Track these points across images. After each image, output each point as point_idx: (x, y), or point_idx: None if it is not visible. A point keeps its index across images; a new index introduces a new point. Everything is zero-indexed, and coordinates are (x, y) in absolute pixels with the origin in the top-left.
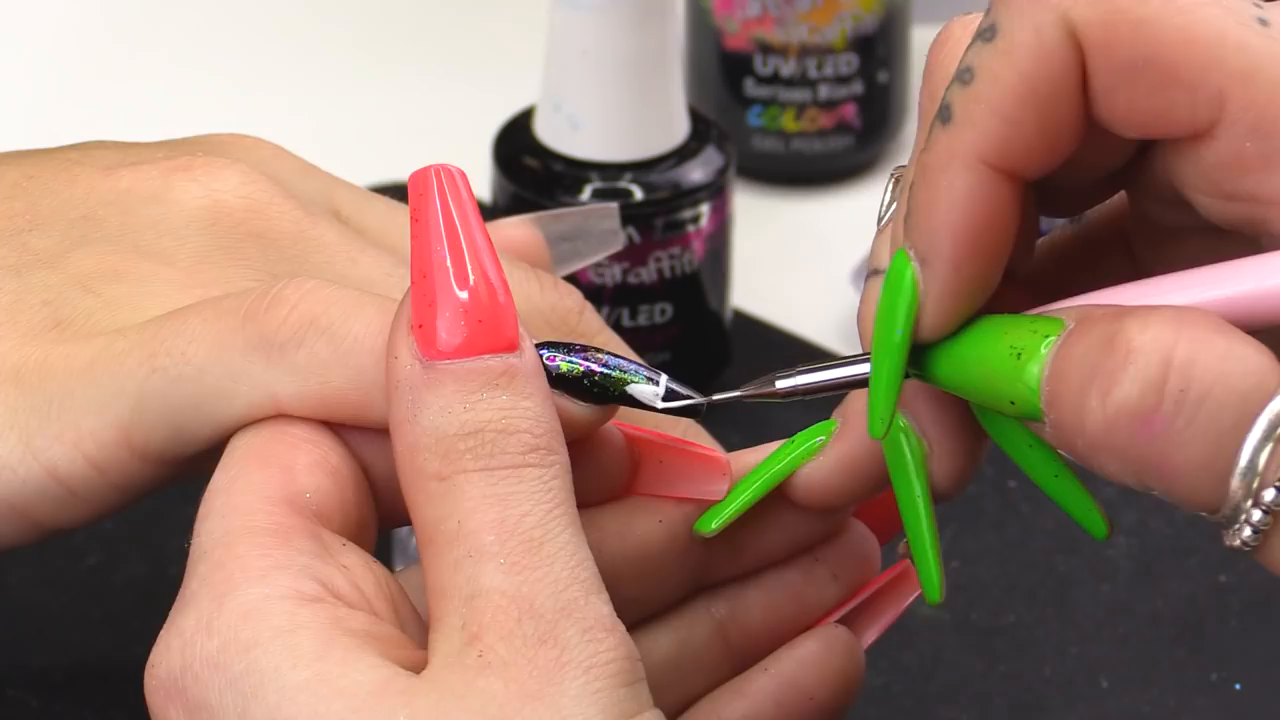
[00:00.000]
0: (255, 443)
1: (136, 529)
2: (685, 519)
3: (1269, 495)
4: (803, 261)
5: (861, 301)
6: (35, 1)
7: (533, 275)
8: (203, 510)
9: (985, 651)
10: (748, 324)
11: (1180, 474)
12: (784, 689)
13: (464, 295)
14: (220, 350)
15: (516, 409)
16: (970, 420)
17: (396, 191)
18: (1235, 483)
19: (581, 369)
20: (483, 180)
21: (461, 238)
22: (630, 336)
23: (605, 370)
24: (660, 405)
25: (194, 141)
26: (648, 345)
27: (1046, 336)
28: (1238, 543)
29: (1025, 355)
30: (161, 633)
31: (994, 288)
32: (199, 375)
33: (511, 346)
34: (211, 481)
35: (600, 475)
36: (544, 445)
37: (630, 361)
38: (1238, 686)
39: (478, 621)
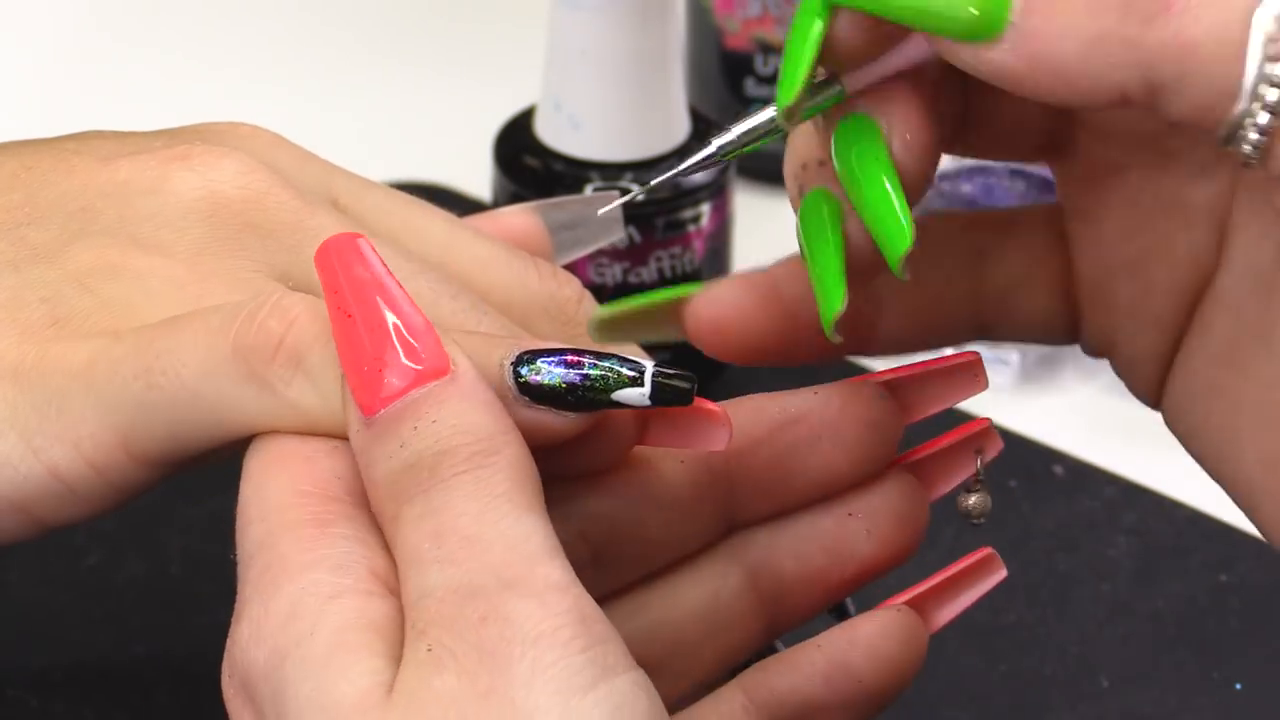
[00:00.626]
0: (271, 446)
1: (136, 529)
2: (705, 457)
3: (1272, 95)
4: None
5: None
6: None
7: (531, 264)
8: (240, 522)
9: (985, 651)
10: None
11: (1197, 47)
12: (834, 669)
13: (381, 349)
14: (212, 380)
15: (448, 428)
16: (926, 93)
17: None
18: (1253, 52)
19: (564, 385)
20: (483, 180)
21: (371, 293)
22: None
23: (588, 383)
24: (648, 404)
25: (192, 130)
26: (647, 345)
27: None
28: (1246, 148)
29: None
30: (228, 640)
31: None
32: (194, 399)
33: (440, 373)
34: (240, 494)
35: (611, 438)
36: (482, 449)
37: (613, 362)
38: (1238, 686)
39: (424, 619)
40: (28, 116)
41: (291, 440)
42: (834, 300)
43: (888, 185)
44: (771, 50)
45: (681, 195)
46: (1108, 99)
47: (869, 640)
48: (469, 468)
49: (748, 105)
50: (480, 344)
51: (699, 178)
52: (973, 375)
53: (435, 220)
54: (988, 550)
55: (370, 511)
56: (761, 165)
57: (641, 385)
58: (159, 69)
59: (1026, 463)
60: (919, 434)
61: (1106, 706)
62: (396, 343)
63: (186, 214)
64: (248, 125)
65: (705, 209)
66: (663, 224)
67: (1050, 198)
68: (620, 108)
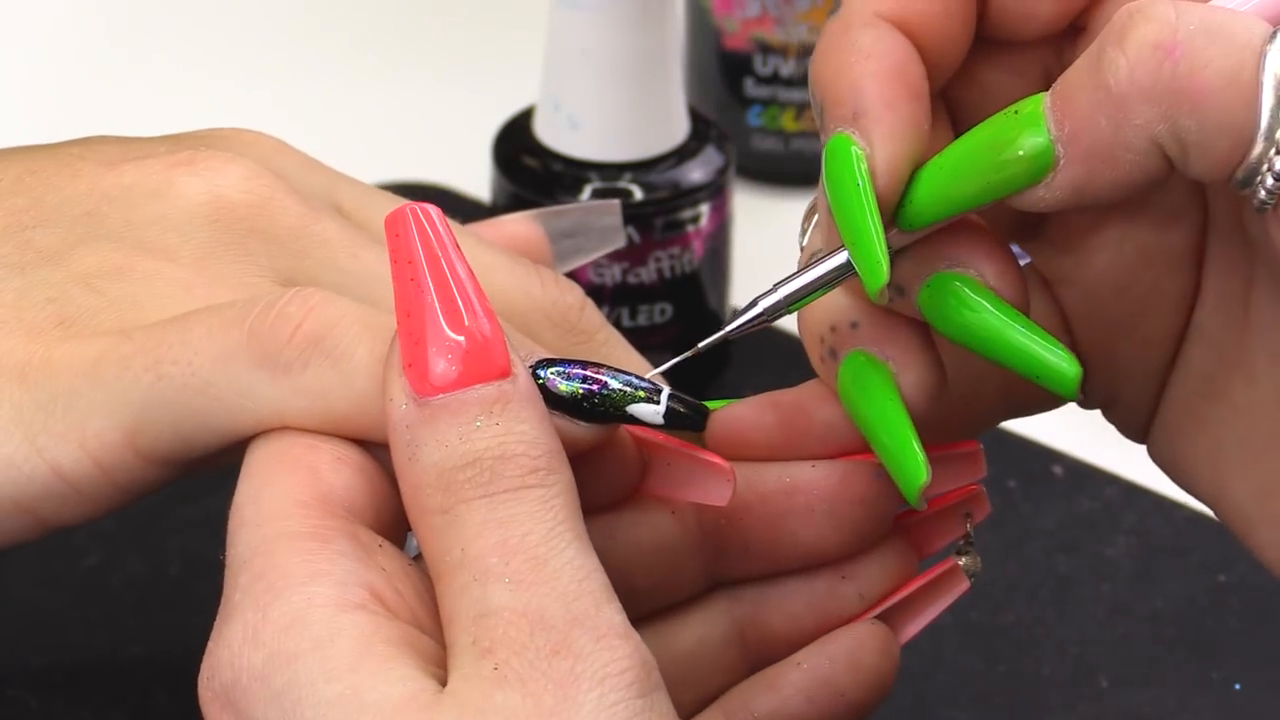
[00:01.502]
0: (274, 448)
1: (136, 529)
2: (696, 511)
3: None
4: None
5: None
6: None
7: (534, 271)
8: (234, 522)
9: (985, 651)
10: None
11: (1210, 93)
12: (816, 685)
13: (451, 330)
14: (225, 364)
15: (512, 434)
16: (927, 332)
17: (397, 191)
18: (1266, 95)
19: (581, 391)
20: (483, 180)
21: (447, 273)
22: (630, 336)
23: (605, 392)
24: (661, 423)
25: (196, 136)
26: (647, 345)
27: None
28: (1262, 194)
29: (1022, 106)
30: (210, 644)
31: (929, 123)
32: (205, 387)
33: (504, 373)
34: (237, 493)
35: (613, 478)
36: (543, 466)
37: (631, 378)
38: (1237, 686)
39: (489, 637)
40: (32, 122)
41: (297, 445)
42: (917, 472)
43: (900, 425)
44: (770, 50)
45: (680, 195)
46: (1150, 164)
47: (848, 654)
48: (535, 483)
49: (747, 106)
50: None
51: (697, 177)
52: (974, 462)
53: None
54: (950, 562)
55: (366, 535)
56: (761, 165)
57: (657, 404)
58: (161, 73)
59: (1026, 463)
60: None
61: (1106, 706)
62: (460, 327)
63: (192, 219)
64: (252, 131)
65: (704, 209)
66: (662, 224)
67: None
68: (619, 108)
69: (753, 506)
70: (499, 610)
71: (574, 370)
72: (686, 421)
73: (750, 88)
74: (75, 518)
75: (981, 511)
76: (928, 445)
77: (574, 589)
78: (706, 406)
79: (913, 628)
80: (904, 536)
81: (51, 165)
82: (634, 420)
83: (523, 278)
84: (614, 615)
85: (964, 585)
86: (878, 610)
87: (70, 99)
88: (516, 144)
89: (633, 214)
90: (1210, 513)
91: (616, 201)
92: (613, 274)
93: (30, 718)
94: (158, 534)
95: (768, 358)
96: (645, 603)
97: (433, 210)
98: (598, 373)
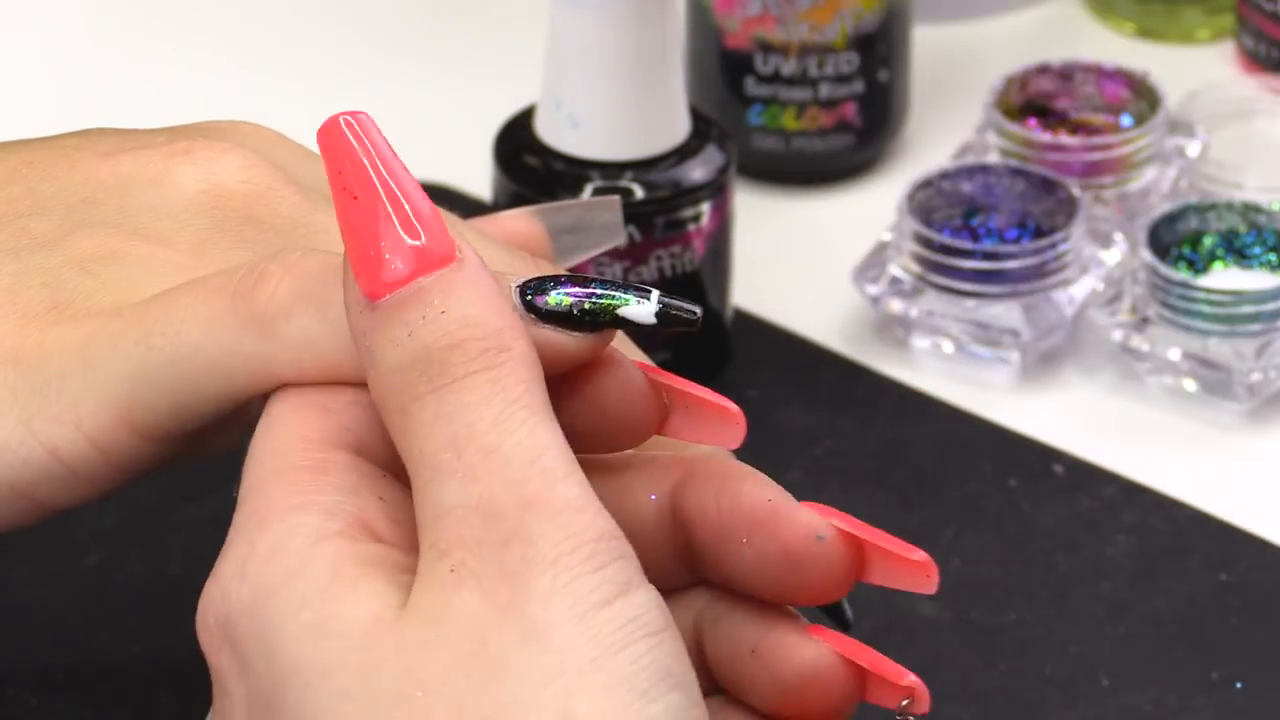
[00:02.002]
0: (293, 392)
1: (136, 529)
2: (673, 499)
3: None
4: (803, 260)
5: None
6: None
7: (531, 265)
8: (245, 463)
9: (985, 650)
10: (748, 323)
11: None
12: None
13: (390, 230)
14: (213, 328)
15: (456, 320)
16: None
17: None
18: None
19: (570, 301)
20: (483, 178)
21: (376, 174)
22: (630, 335)
23: (595, 298)
24: (653, 322)
25: (194, 127)
26: (648, 344)
27: None
28: None
29: None
30: (208, 580)
31: None
32: (194, 353)
33: (447, 260)
34: (255, 433)
35: (634, 420)
36: (491, 345)
37: (619, 282)
38: (1239, 685)
39: (445, 538)
40: (29, 116)
41: (313, 390)
42: None
43: None
44: (771, 49)
45: (681, 194)
46: None
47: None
48: (481, 366)
49: (748, 105)
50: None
51: (698, 176)
52: (925, 576)
53: None
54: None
55: (369, 467)
56: (761, 164)
57: (649, 303)
58: (160, 68)
59: (1026, 462)
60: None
61: (1106, 706)
62: (400, 224)
63: (188, 207)
64: (249, 123)
65: (705, 208)
66: (663, 223)
67: (1051, 198)
68: (620, 107)
69: (708, 515)
70: (453, 508)
71: (561, 282)
72: (678, 321)
73: (751, 87)
74: (74, 501)
75: (920, 706)
76: (877, 535)
77: (524, 471)
78: (696, 308)
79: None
80: (841, 660)
81: (49, 156)
82: (627, 324)
83: (520, 270)
84: (569, 490)
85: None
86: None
87: (70, 95)
88: (517, 143)
89: (633, 213)
90: (1211, 512)
91: (617, 198)
92: (614, 273)
93: (30, 717)
94: (159, 533)
95: (769, 356)
96: None
97: (361, 115)
98: (585, 283)
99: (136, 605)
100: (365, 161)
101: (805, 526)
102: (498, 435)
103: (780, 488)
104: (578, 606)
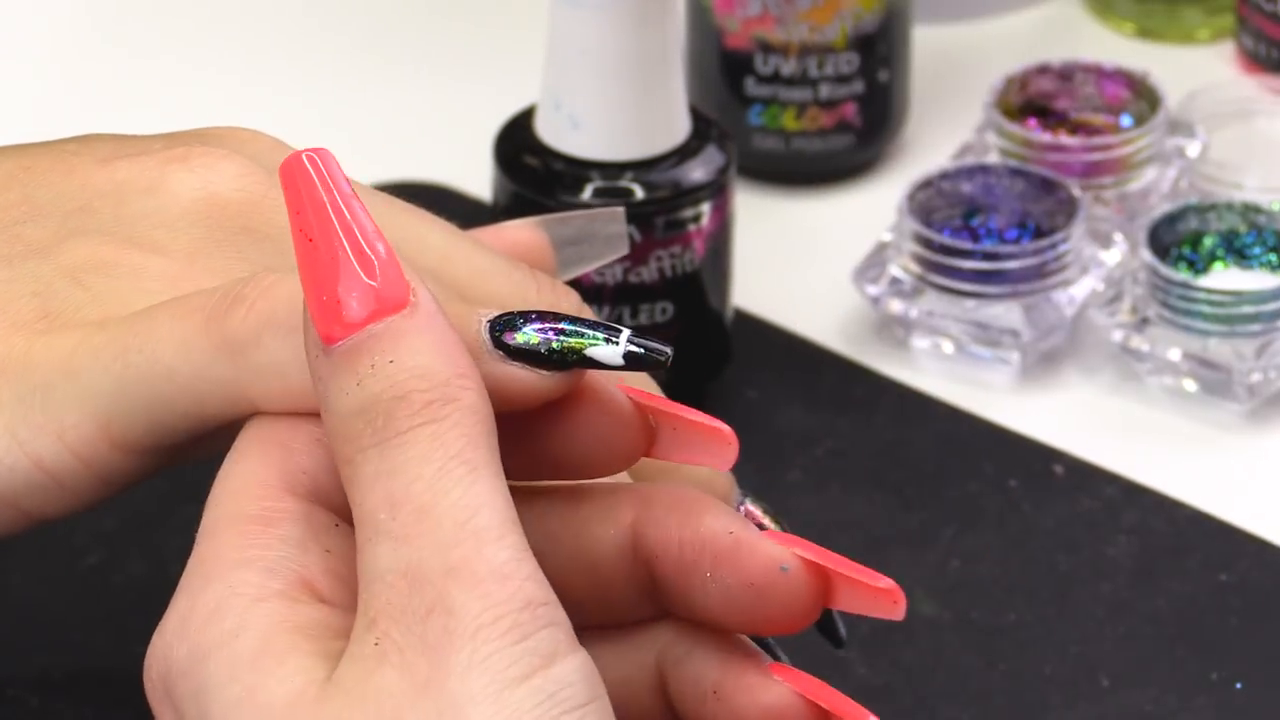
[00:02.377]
0: (258, 427)
1: (136, 529)
2: (634, 532)
3: None
4: (803, 260)
5: None
6: None
7: (530, 276)
8: (210, 495)
9: (985, 650)
10: (749, 323)
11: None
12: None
13: (347, 273)
14: (186, 351)
15: (404, 370)
16: None
17: (395, 190)
18: None
19: (538, 339)
20: (483, 179)
21: (334, 217)
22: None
23: (562, 338)
24: (621, 364)
25: (192, 133)
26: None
27: None
28: None
29: None
30: (155, 632)
31: None
32: (169, 374)
33: (400, 305)
34: (221, 467)
35: (619, 444)
36: (437, 397)
37: (588, 322)
38: (1239, 685)
39: (374, 606)
40: (27, 121)
41: (280, 425)
42: None
43: None
44: (771, 50)
45: (681, 195)
46: None
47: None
48: (425, 419)
49: (748, 105)
50: (461, 309)
51: (699, 176)
52: (893, 603)
53: (434, 230)
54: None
55: (322, 516)
56: (761, 164)
57: (616, 345)
58: (160, 70)
59: (1026, 462)
60: None
61: (1106, 706)
62: (358, 268)
63: (184, 215)
64: (248, 130)
65: (706, 208)
66: (663, 223)
67: (1051, 198)
68: (620, 107)
69: (670, 549)
70: (384, 573)
71: (530, 320)
72: (646, 363)
73: (751, 87)
74: (60, 511)
75: None
76: (843, 564)
77: (454, 534)
78: (667, 349)
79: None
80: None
81: (45, 161)
82: (595, 364)
83: (519, 282)
84: (498, 554)
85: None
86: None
87: (67, 100)
88: (517, 143)
89: (634, 213)
90: (1211, 512)
91: (621, 209)
92: (614, 273)
93: (30, 717)
94: (159, 534)
95: (769, 356)
96: (586, 614)
97: (319, 154)
98: (554, 321)
99: (136, 605)
100: (325, 201)
101: (768, 558)
102: (433, 494)
103: (742, 518)
104: (495, 683)
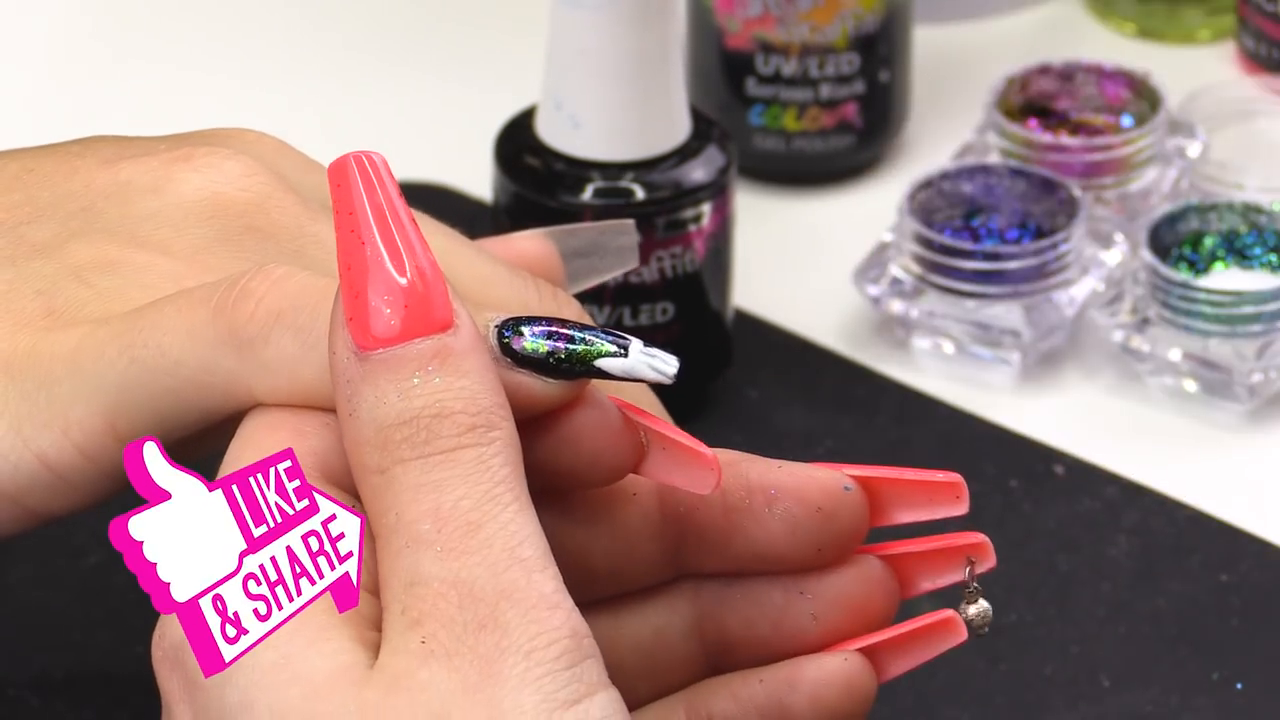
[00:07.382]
0: (268, 412)
1: None
2: (657, 496)
3: None
4: (803, 261)
5: None
6: None
7: (531, 284)
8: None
9: (986, 651)
10: (749, 323)
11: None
12: (772, 706)
13: (391, 284)
14: (193, 344)
15: (450, 390)
16: None
17: None
18: None
19: (547, 348)
20: (484, 179)
21: (390, 223)
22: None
23: (571, 346)
24: (630, 377)
25: (196, 134)
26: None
27: None
28: None
29: None
30: None
31: None
32: (175, 368)
33: (445, 326)
34: (227, 452)
35: (610, 458)
36: (482, 423)
37: (598, 332)
38: (1239, 685)
39: (418, 608)
40: (30, 123)
41: (288, 411)
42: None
43: None
44: (772, 50)
45: (682, 195)
46: None
47: (812, 687)
48: (471, 442)
49: (749, 105)
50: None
51: (699, 177)
52: (955, 496)
53: (436, 235)
54: (949, 614)
55: (332, 495)
56: (762, 165)
57: (625, 357)
58: (159, 72)
59: (1026, 463)
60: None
61: (1106, 706)
62: (411, 278)
63: (188, 214)
64: (253, 131)
65: (706, 209)
66: (663, 224)
67: (1051, 199)
68: (621, 107)
69: (709, 498)
70: (429, 580)
71: (539, 327)
72: (654, 374)
73: (752, 87)
74: (64, 507)
75: (986, 562)
76: (907, 470)
77: (505, 558)
78: (675, 361)
79: (898, 668)
80: (888, 566)
81: (49, 163)
82: (603, 375)
83: (520, 290)
84: (545, 584)
85: (961, 636)
86: (865, 643)
87: (71, 102)
88: (518, 143)
89: (635, 214)
90: (1212, 512)
91: (631, 221)
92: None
93: (31, 717)
94: None
95: (769, 357)
96: (604, 586)
97: (376, 158)
98: (564, 328)
99: (136, 605)
100: (384, 204)
101: (830, 480)
102: (480, 515)
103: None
104: (547, 702)
